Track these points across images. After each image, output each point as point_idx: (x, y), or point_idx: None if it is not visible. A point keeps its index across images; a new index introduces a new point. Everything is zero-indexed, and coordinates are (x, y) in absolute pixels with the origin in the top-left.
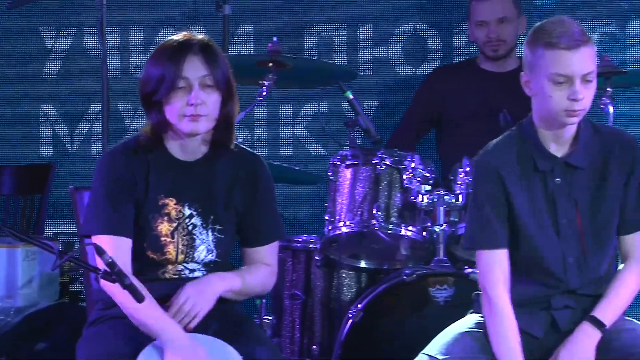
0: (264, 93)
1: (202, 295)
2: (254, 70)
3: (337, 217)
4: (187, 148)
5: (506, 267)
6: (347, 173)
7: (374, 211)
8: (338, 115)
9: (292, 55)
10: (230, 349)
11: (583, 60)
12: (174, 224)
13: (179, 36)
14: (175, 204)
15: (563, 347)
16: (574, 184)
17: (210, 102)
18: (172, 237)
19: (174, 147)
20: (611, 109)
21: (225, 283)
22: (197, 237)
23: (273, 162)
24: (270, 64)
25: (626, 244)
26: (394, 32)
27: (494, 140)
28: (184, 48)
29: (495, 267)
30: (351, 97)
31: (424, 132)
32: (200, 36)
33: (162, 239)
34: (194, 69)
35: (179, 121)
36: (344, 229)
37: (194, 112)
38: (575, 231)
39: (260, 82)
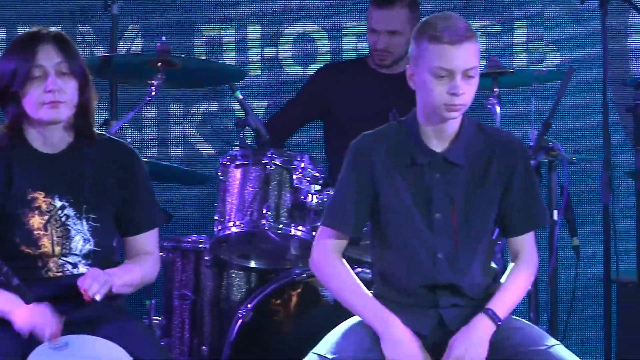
0: (153, 93)
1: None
2: (143, 70)
3: (227, 217)
4: (51, 139)
5: (340, 249)
6: (237, 173)
7: (264, 211)
8: (228, 115)
9: (181, 55)
10: (120, 350)
11: (465, 56)
12: (46, 217)
13: (30, 30)
14: (44, 197)
15: (457, 338)
16: (452, 181)
17: (68, 89)
18: (46, 230)
19: (37, 141)
20: (498, 109)
21: (118, 279)
22: (72, 227)
23: (163, 162)
24: (159, 64)
25: (515, 245)
26: (283, 32)
27: (372, 130)
28: (36, 38)
29: (331, 244)
30: (241, 97)
31: (299, 125)
32: (52, 29)
33: (35, 232)
34: (48, 57)
35: (39, 109)
36: (234, 229)
37: (52, 98)
38: (449, 227)
39: (149, 82)
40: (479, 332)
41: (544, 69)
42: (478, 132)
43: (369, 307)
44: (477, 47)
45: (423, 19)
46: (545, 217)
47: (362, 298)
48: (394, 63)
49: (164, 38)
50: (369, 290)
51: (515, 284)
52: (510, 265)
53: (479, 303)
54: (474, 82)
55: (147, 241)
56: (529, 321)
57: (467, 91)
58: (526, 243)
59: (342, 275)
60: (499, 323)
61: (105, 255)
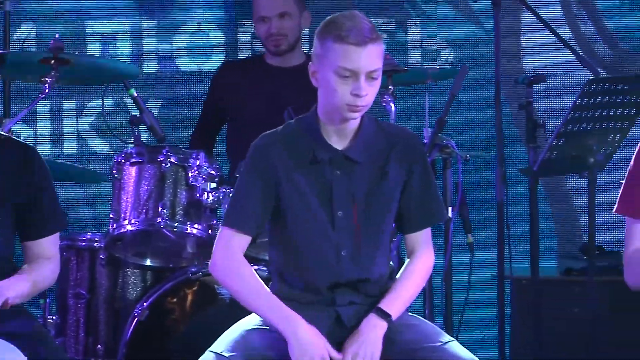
0: (47, 90)
1: None
2: (36, 68)
3: (122, 216)
4: None
5: (242, 250)
6: (132, 171)
7: (160, 209)
8: (122, 113)
9: (75, 52)
10: (14, 350)
11: (370, 57)
12: None
13: None
14: None
15: (351, 338)
16: (353, 178)
17: None
18: None
19: None
20: (392, 106)
21: (13, 290)
22: None
23: (57, 160)
24: (53, 61)
25: (411, 241)
26: (178, 30)
27: (273, 129)
28: None
29: (234, 245)
30: (135, 94)
31: (219, 129)
32: None
33: None
34: None
35: None
36: (129, 227)
37: None
38: (351, 225)
39: (42, 79)
40: (371, 331)
41: (437, 67)
42: (377, 129)
43: (273, 309)
44: (382, 49)
45: (328, 17)
46: (442, 213)
47: (266, 300)
48: (289, 49)
49: (57, 35)
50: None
51: (410, 280)
52: (406, 261)
53: (376, 300)
54: (377, 84)
55: (48, 246)
56: (424, 317)
57: (370, 92)
58: (422, 239)
59: (244, 277)
60: (390, 319)
61: (4, 261)
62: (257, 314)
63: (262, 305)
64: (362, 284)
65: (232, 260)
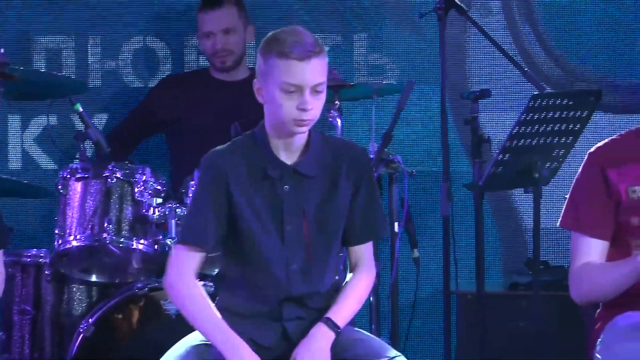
0: None
1: None
2: None
3: (68, 231)
4: None
5: (198, 267)
6: (78, 186)
7: (105, 225)
8: (68, 127)
9: (20, 67)
10: None
11: (314, 72)
12: None
13: None
14: None
15: (300, 347)
16: (303, 193)
17: None
18: None
19: None
20: (339, 121)
21: None
22: None
23: (1, 175)
24: None
25: (355, 255)
26: (124, 44)
27: (224, 145)
28: None
29: (189, 262)
30: (81, 109)
31: (142, 138)
32: None
33: None
34: None
35: None
36: (75, 243)
37: None
38: (301, 239)
39: None
40: (319, 341)
41: (383, 82)
42: (325, 143)
43: (219, 332)
44: (325, 62)
45: (270, 33)
46: (385, 227)
47: (214, 323)
48: (235, 64)
49: (2, 50)
50: (213, 302)
51: (354, 293)
52: (349, 275)
53: (322, 314)
54: (322, 97)
55: None
56: (370, 333)
57: (316, 106)
58: (366, 253)
59: (196, 298)
60: (338, 330)
61: None
62: (203, 335)
63: (211, 330)
64: (311, 297)
65: (184, 280)
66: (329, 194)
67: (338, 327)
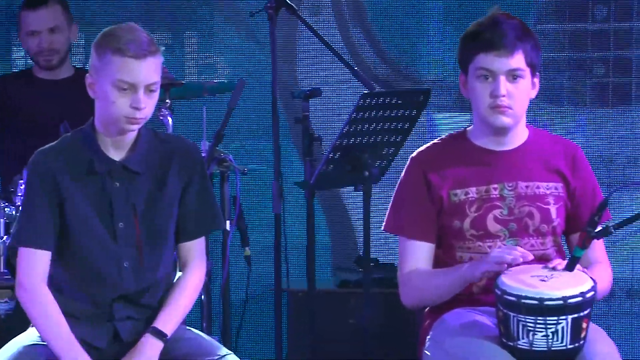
0: None
1: None
2: None
3: None
4: None
5: (46, 267)
6: None
7: None
8: None
9: None
10: None
11: (149, 70)
12: None
13: None
14: None
15: (125, 358)
16: (133, 189)
17: None
18: None
19: None
20: (170, 120)
21: None
22: None
23: None
24: None
25: (185, 251)
26: None
27: (51, 144)
28: None
29: (37, 264)
30: None
31: None
32: None
33: None
34: None
35: None
36: None
37: None
38: (132, 236)
39: None
40: (147, 351)
41: (215, 81)
42: (155, 140)
43: (62, 340)
44: (160, 62)
45: (106, 29)
46: (219, 221)
47: (57, 330)
48: (60, 63)
49: None
50: None
51: (184, 293)
52: (179, 274)
53: (153, 313)
54: (155, 96)
55: None
56: (201, 331)
57: (149, 105)
58: (197, 250)
59: (46, 307)
60: (166, 338)
61: None
62: (45, 341)
63: (52, 334)
64: (143, 294)
65: (35, 286)
66: (159, 190)
67: (165, 335)
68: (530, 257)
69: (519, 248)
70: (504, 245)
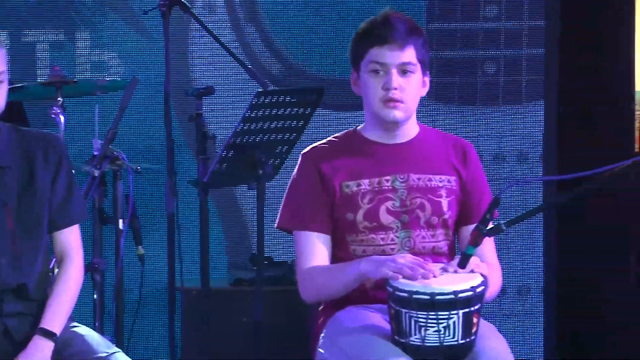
0: None
1: None
2: None
3: None
4: None
5: None
6: None
7: None
8: None
9: None
10: None
11: None
12: None
13: None
14: None
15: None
16: (2, 184)
17: None
18: None
19: None
20: (62, 118)
21: None
22: None
23: None
24: None
25: (61, 244)
26: None
27: None
28: None
29: None
30: None
31: None
32: None
33: None
34: None
35: None
36: None
37: None
38: (6, 230)
39: None
40: (39, 352)
41: (107, 79)
42: (18, 135)
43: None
44: (4, 53)
45: None
46: (84, 213)
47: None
48: None
49: None
50: None
51: (68, 291)
52: (57, 270)
53: (41, 307)
54: (4, 87)
55: None
56: (94, 330)
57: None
58: (72, 241)
59: None
60: (56, 338)
61: None
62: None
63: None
64: (27, 288)
65: None
66: (29, 184)
67: (54, 335)
68: (433, 275)
69: (427, 266)
70: (402, 241)
